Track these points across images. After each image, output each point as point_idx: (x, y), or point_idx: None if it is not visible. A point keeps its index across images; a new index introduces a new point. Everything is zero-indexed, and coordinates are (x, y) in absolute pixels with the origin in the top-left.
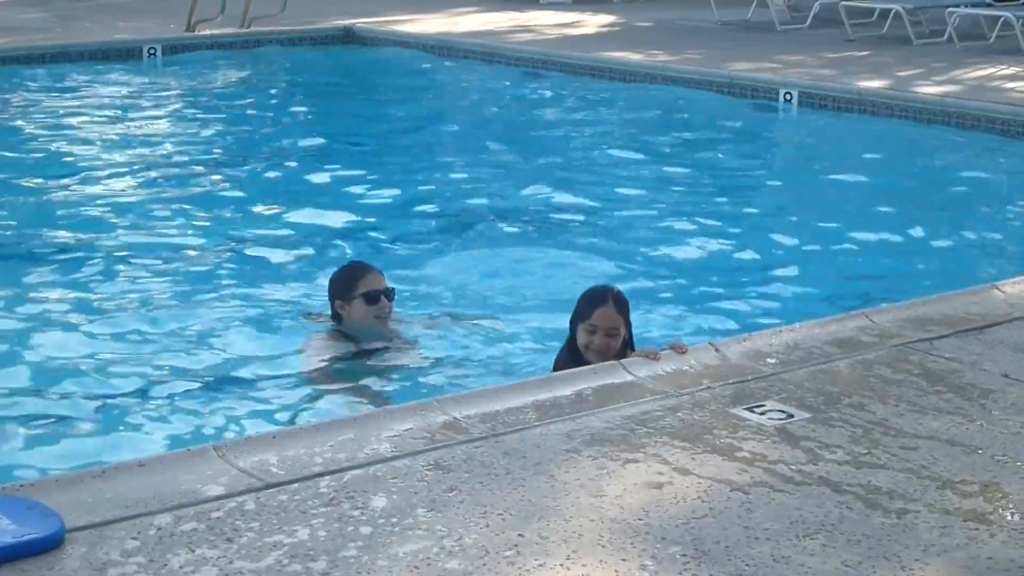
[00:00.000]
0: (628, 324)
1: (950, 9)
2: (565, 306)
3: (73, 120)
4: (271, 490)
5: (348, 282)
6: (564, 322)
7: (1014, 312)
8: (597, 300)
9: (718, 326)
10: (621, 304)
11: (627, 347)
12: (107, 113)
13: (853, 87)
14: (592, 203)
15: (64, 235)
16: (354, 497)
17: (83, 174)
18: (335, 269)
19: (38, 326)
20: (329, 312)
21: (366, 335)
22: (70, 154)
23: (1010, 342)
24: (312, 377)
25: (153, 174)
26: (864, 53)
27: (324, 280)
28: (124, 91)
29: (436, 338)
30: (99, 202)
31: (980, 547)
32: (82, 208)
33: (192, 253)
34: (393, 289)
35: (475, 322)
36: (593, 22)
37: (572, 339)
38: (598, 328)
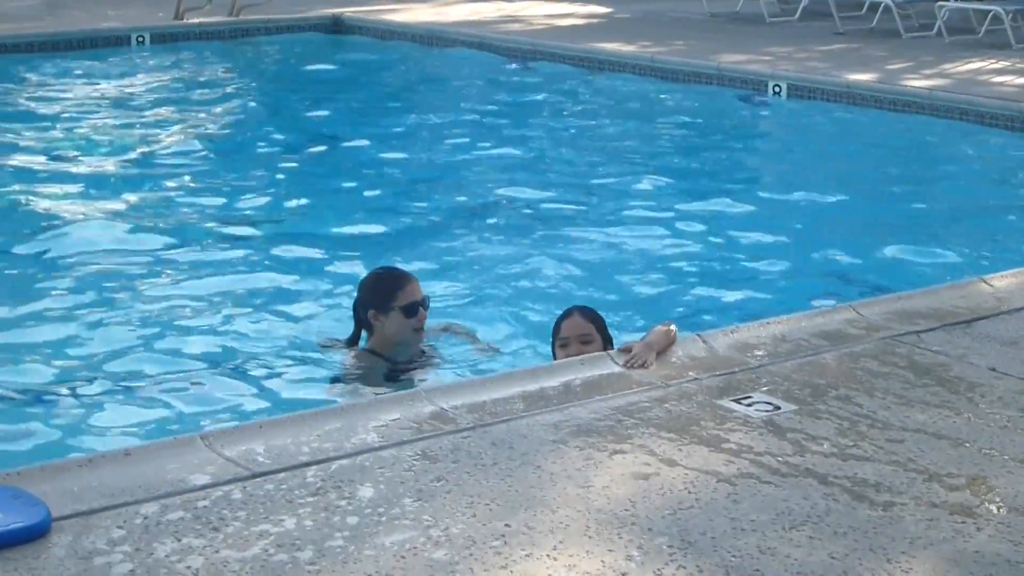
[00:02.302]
0: (605, 336)
1: (939, 3)
2: (555, 297)
3: (61, 108)
4: (258, 479)
5: (386, 291)
6: (553, 312)
7: (1001, 306)
8: (563, 316)
9: (706, 317)
10: (587, 314)
11: None
12: (95, 101)
13: (842, 80)
14: (579, 194)
15: (50, 222)
16: (341, 487)
17: (70, 162)
18: (367, 276)
19: (25, 315)
20: (350, 334)
21: (397, 346)
22: (57, 142)
23: (997, 336)
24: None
25: (140, 163)
26: (853, 46)
27: (314, 267)
28: (112, 79)
29: (460, 345)
30: (86, 189)
31: (967, 540)
32: (69, 196)
33: (179, 242)
34: (427, 297)
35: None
36: (582, 12)
37: None
38: (569, 339)
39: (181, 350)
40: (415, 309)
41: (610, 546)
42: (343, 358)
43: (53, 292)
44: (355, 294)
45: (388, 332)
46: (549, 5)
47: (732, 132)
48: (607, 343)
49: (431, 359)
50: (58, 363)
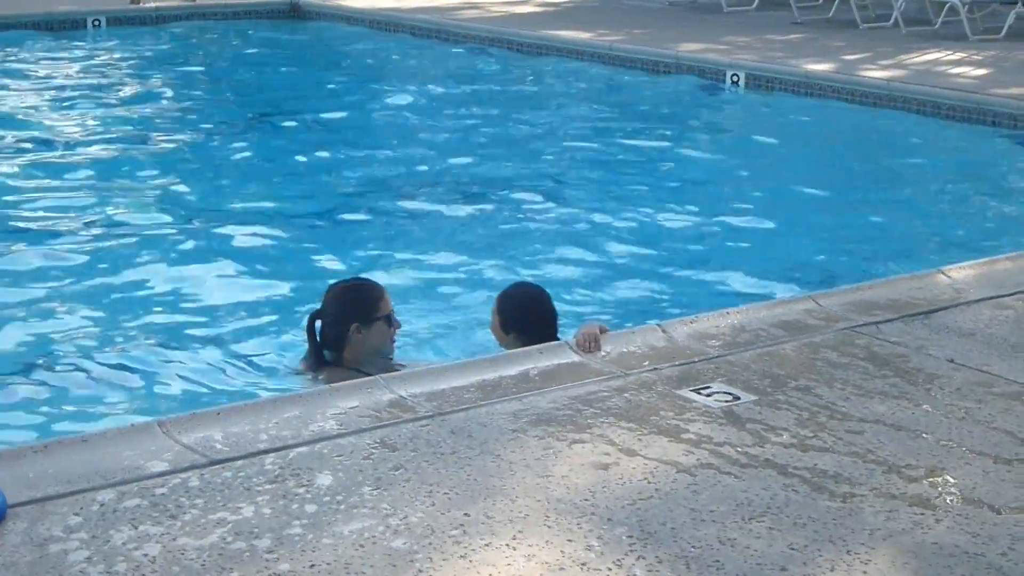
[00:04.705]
0: (511, 323)
1: None
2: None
3: (15, 92)
4: (215, 467)
5: (368, 304)
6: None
7: (960, 297)
8: None
9: (665, 307)
10: (499, 297)
11: None
12: (50, 85)
13: (800, 70)
14: (535, 181)
15: (6, 204)
16: (299, 474)
17: (24, 146)
18: (339, 289)
19: None
20: (307, 354)
21: (370, 358)
22: (11, 126)
23: (955, 327)
24: None
25: (95, 147)
26: (811, 36)
27: (271, 249)
28: (67, 63)
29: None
30: (41, 173)
31: (926, 532)
32: (23, 179)
33: (134, 224)
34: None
35: None
36: (540, 0)
37: None
38: None
39: (139, 336)
40: (392, 318)
41: (569, 536)
42: (323, 378)
43: (6, 276)
44: (323, 310)
45: (369, 344)
46: None
47: (690, 121)
48: (516, 331)
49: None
50: (13, 348)
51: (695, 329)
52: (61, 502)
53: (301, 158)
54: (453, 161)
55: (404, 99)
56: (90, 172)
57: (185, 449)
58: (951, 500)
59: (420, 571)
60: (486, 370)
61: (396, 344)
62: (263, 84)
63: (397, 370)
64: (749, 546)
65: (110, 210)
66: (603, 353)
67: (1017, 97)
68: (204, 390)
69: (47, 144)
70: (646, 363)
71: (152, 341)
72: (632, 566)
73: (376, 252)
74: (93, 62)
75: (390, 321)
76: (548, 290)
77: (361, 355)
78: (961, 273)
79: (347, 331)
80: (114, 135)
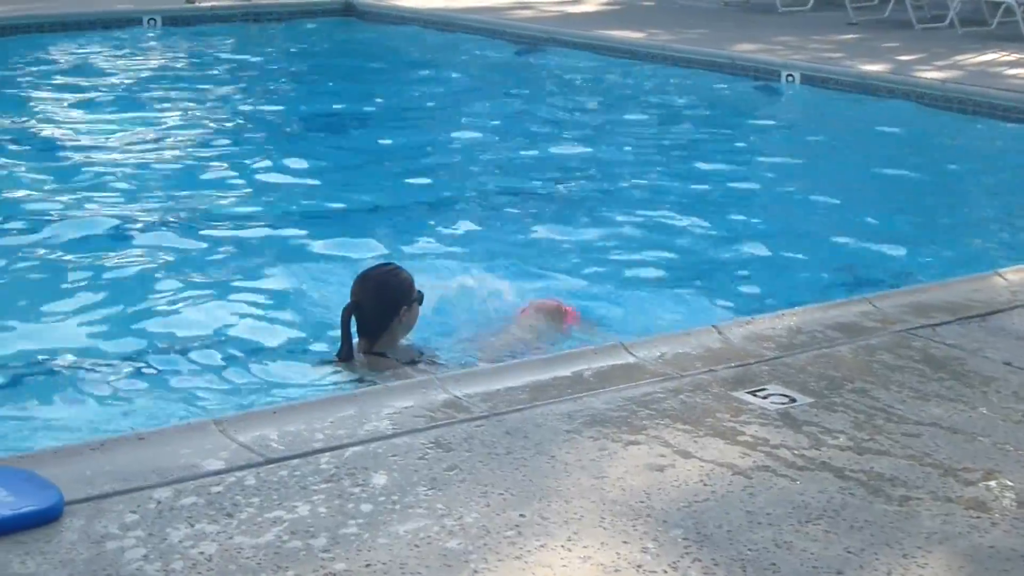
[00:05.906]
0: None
1: None
2: (563, 284)
3: (72, 90)
4: (271, 465)
5: (409, 284)
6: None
7: (1016, 299)
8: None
9: (721, 308)
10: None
11: None
12: (106, 84)
13: (855, 70)
14: (592, 183)
15: (65, 202)
16: (355, 474)
17: (80, 145)
18: (378, 276)
19: (39, 296)
20: (339, 349)
21: (401, 340)
22: (68, 124)
23: (1012, 329)
24: None
25: (151, 146)
26: (866, 36)
27: (319, 251)
28: (124, 62)
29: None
30: (99, 171)
31: (982, 536)
32: (82, 177)
33: (190, 224)
34: None
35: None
36: (594, 0)
37: None
38: None
39: (195, 333)
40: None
41: (625, 538)
42: (358, 362)
43: (65, 275)
44: (368, 297)
45: (405, 325)
46: None
47: (745, 121)
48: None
49: (434, 358)
50: (71, 346)
51: (751, 331)
52: (118, 500)
53: (353, 157)
54: (505, 159)
55: (456, 98)
56: (142, 171)
57: (241, 448)
58: (1007, 503)
59: (475, 572)
60: (540, 371)
61: None
62: (317, 83)
63: (418, 357)
64: (806, 549)
65: (165, 208)
66: (659, 354)
67: None
68: (257, 389)
69: (99, 142)
70: (701, 364)
71: (208, 338)
72: (688, 568)
73: (429, 250)
74: (148, 61)
75: (421, 298)
76: (600, 292)
77: (398, 337)
78: (1018, 275)
79: (397, 314)
80: (168, 133)
